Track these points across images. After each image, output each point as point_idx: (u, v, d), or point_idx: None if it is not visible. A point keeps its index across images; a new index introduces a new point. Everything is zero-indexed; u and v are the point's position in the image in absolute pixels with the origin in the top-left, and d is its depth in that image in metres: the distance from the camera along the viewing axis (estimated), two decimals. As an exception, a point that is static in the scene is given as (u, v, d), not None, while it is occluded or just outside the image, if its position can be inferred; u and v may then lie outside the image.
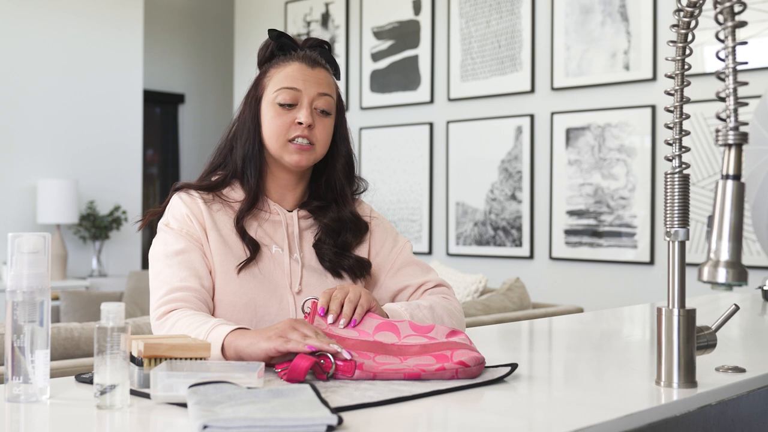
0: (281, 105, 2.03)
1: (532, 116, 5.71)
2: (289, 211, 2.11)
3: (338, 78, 2.18)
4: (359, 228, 2.16)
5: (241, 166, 2.09)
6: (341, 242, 2.11)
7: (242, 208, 2.05)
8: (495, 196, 5.87)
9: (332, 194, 2.15)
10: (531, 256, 5.73)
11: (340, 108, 2.15)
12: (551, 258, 5.63)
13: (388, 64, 6.59)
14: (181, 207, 2.03)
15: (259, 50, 2.16)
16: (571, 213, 5.51)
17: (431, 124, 6.28)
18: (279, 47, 2.12)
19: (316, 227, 2.12)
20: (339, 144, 2.14)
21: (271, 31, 2.14)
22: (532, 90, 5.73)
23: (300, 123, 2.01)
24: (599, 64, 5.43)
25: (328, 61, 2.13)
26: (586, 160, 5.47)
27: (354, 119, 6.74)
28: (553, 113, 5.61)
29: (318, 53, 2.12)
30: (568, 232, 5.53)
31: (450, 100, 6.19)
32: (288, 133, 2.03)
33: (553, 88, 5.61)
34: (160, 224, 2.06)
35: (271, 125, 2.04)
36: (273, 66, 2.10)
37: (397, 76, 6.54)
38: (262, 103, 2.08)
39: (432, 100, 6.31)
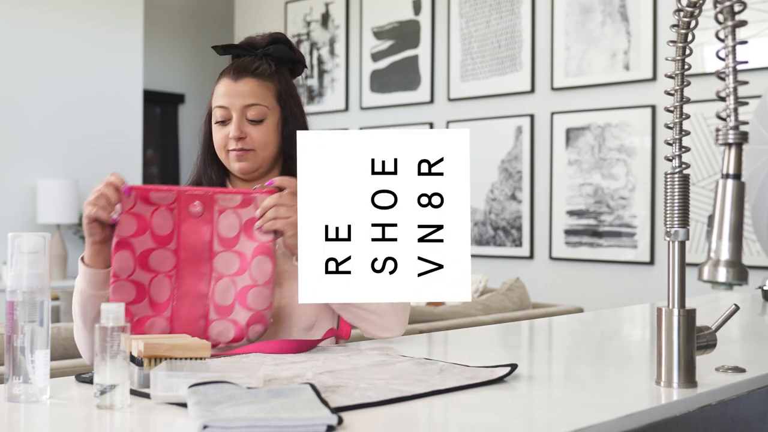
0: (218, 122, 2.16)
1: (532, 116, 5.70)
2: None
3: (298, 72, 2.26)
4: None
5: (207, 178, 2.23)
6: None
7: None
8: (495, 196, 5.86)
9: None
10: (531, 256, 5.72)
11: (286, 104, 2.18)
12: (551, 258, 5.62)
13: (388, 64, 6.59)
14: None
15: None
16: (571, 213, 5.51)
17: (431, 124, 6.28)
18: (236, 59, 2.22)
19: None
20: (283, 145, 2.19)
21: (216, 48, 2.25)
22: (532, 90, 5.72)
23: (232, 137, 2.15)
24: (599, 64, 5.42)
25: (280, 59, 2.19)
26: (586, 160, 5.47)
27: (354, 119, 6.74)
28: (553, 113, 5.60)
29: (251, 64, 2.16)
30: (568, 232, 5.52)
31: (450, 100, 6.19)
32: (226, 145, 2.14)
33: (553, 88, 5.61)
34: None
35: (214, 140, 2.18)
36: (215, 84, 2.24)
37: (397, 76, 6.54)
38: (210, 118, 2.22)
39: (432, 100, 6.30)
